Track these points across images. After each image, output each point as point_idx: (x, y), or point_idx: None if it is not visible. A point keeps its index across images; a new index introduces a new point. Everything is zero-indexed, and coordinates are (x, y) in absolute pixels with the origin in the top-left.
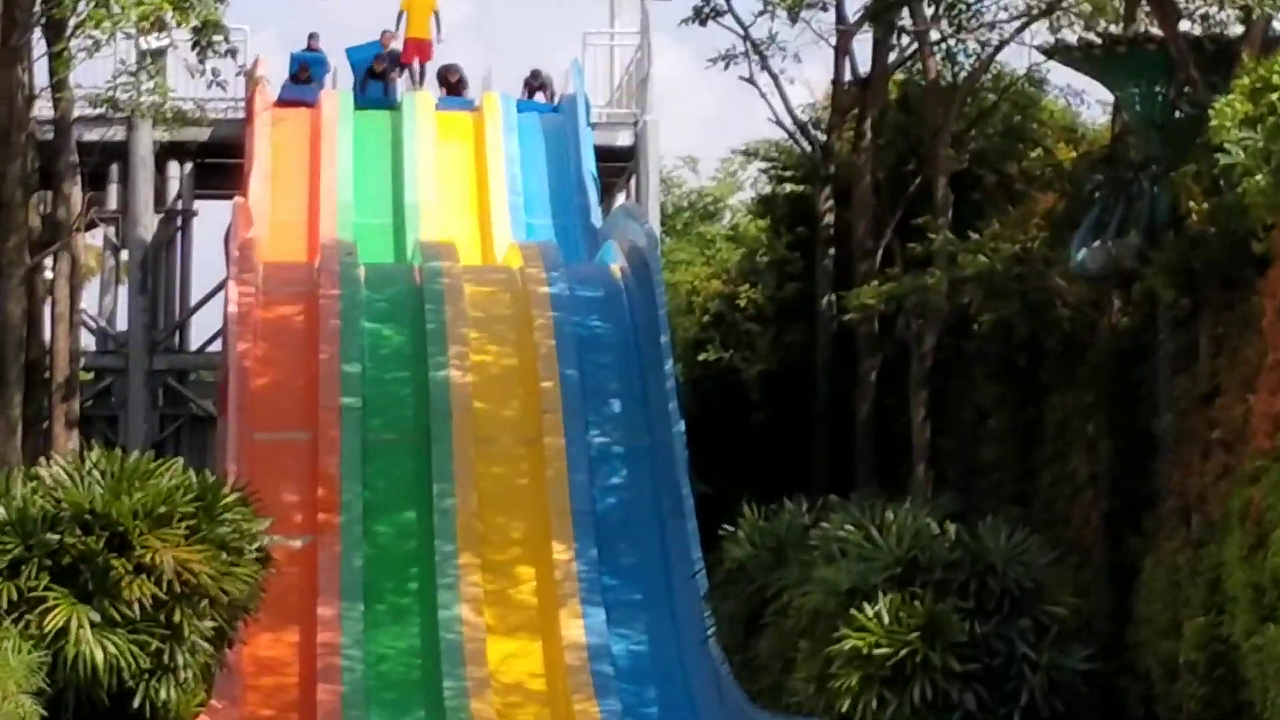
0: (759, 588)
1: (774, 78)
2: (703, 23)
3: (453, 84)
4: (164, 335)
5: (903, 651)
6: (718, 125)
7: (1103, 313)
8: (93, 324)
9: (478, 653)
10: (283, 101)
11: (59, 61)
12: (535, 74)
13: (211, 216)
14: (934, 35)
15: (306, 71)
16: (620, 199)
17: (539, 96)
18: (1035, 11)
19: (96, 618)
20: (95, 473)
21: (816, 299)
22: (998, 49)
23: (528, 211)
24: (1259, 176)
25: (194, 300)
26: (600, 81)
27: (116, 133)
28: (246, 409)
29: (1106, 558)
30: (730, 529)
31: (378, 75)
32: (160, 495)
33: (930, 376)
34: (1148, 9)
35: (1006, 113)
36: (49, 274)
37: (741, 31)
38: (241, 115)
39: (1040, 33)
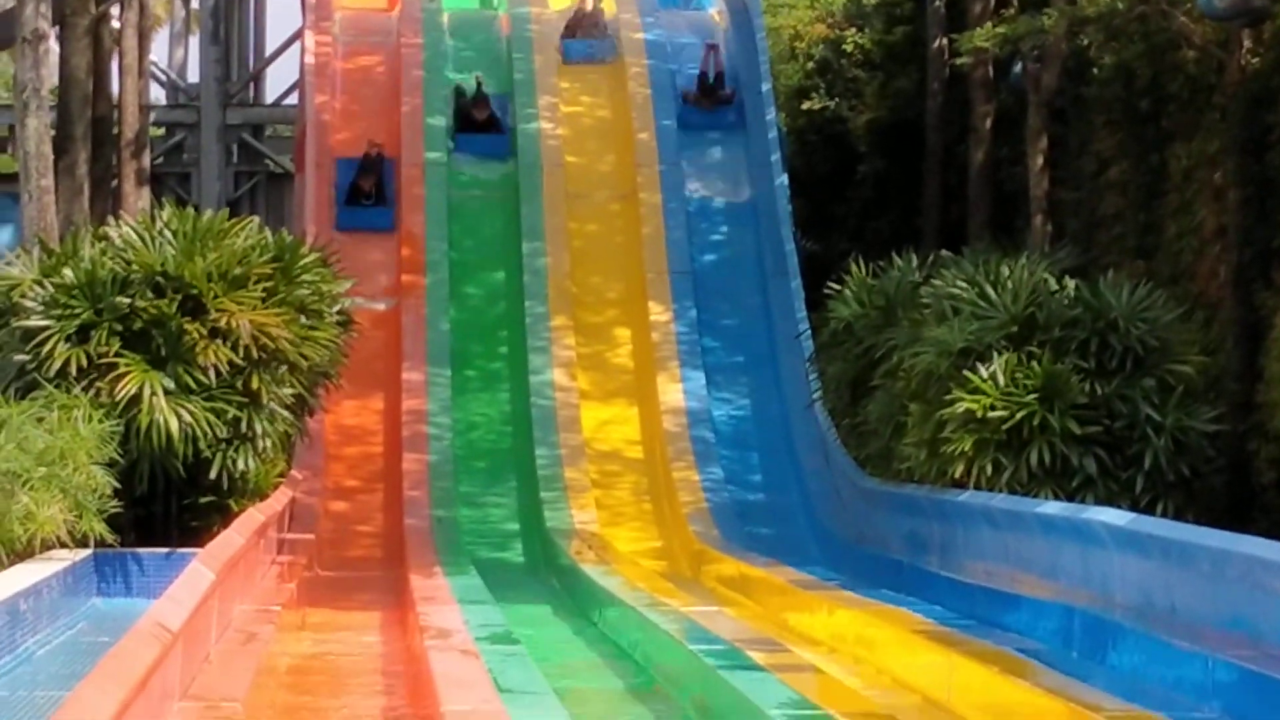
0: (867, 349)
1: None
2: None
3: None
4: (238, 88)
5: (1019, 414)
6: None
7: (1231, 54)
8: (163, 76)
9: (571, 419)
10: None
11: None
12: None
13: None
14: None
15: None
16: None
17: None
18: None
19: (170, 385)
20: (167, 233)
21: (927, 42)
22: None
23: None
24: None
25: (269, 50)
26: None
27: None
28: (326, 165)
29: (1235, 313)
30: (836, 287)
31: None
32: (235, 256)
33: (1048, 124)
34: None
35: None
36: (115, 24)
37: None
38: None
39: None
